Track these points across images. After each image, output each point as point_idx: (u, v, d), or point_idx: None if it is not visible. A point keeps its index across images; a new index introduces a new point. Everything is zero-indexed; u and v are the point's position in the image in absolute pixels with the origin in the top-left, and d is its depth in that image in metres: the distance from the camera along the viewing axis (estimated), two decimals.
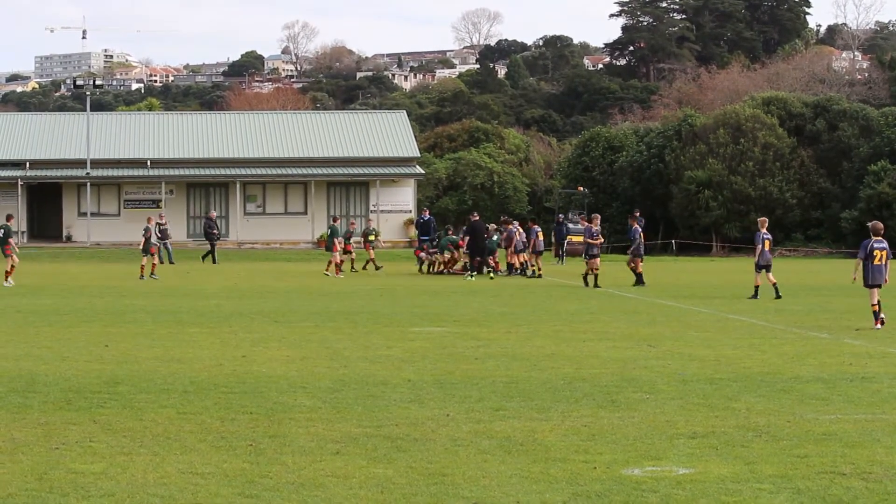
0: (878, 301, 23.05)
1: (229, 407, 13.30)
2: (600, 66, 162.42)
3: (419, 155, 72.27)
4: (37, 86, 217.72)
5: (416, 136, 75.79)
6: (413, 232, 61.70)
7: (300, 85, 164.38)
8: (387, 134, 71.43)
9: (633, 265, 37.09)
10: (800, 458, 10.65)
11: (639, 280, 36.39)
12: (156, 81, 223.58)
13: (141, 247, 41.33)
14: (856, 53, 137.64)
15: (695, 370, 16.59)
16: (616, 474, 10.05)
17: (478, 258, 41.42)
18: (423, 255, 46.51)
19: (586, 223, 51.91)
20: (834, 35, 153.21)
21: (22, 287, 34.84)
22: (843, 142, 72.85)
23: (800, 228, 72.03)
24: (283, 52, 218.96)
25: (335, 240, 42.53)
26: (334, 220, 45.60)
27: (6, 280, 35.77)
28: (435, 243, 46.60)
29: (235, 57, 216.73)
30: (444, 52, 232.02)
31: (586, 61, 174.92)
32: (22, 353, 18.26)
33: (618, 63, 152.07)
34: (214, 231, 54.39)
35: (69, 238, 67.15)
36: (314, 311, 26.49)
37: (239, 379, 15.52)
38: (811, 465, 10.41)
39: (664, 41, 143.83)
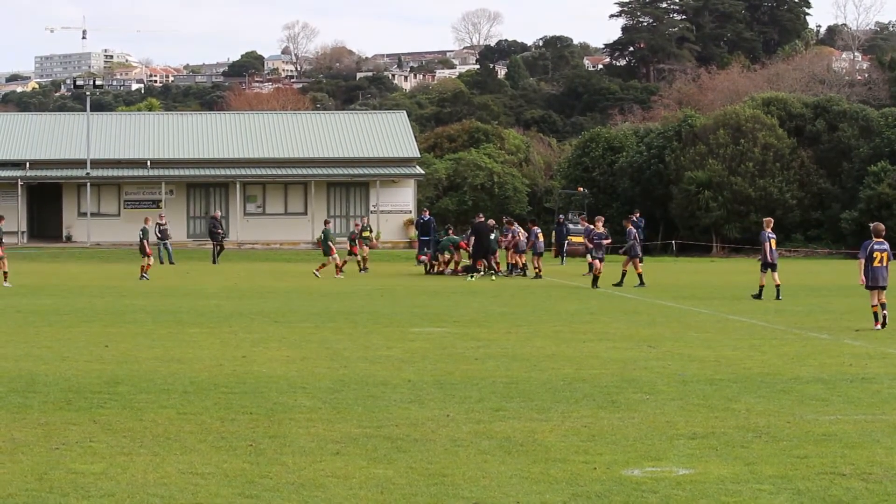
0: (883, 304, 23.00)
1: (229, 407, 13.31)
2: (600, 66, 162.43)
3: (419, 155, 72.26)
4: (37, 86, 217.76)
5: (416, 137, 75.79)
6: (413, 232, 61.69)
7: (300, 85, 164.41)
8: (387, 134, 71.43)
9: (625, 266, 37.10)
10: (800, 459, 10.66)
11: (621, 280, 36.26)
12: (156, 82, 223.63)
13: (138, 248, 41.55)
14: (856, 54, 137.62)
15: (695, 371, 16.59)
16: (616, 475, 10.05)
17: (481, 260, 41.42)
18: (424, 258, 46.52)
19: (586, 224, 52.02)
20: (834, 36, 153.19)
21: (22, 287, 34.84)
22: (843, 142, 72.83)
23: (800, 229, 71.99)
24: (283, 53, 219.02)
25: (329, 242, 42.78)
26: (326, 224, 45.89)
27: (5, 281, 35.74)
28: (438, 245, 46.38)
29: (235, 57, 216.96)
30: (444, 53, 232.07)
31: (586, 62, 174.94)
32: (22, 353, 18.26)
33: (618, 63, 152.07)
34: (219, 231, 54.43)
35: (69, 238, 67.15)
36: (314, 312, 26.49)
37: (239, 379, 15.52)
38: (811, 465, 10.42)
39: (664, 42, 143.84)
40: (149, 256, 41.05)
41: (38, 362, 17.18)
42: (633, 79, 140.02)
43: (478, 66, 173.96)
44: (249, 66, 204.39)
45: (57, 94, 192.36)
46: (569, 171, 79.87)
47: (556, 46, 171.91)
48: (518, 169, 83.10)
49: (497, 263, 43.11)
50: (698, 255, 67.18)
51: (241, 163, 68.47)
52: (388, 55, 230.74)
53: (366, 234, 47.46)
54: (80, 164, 67.03)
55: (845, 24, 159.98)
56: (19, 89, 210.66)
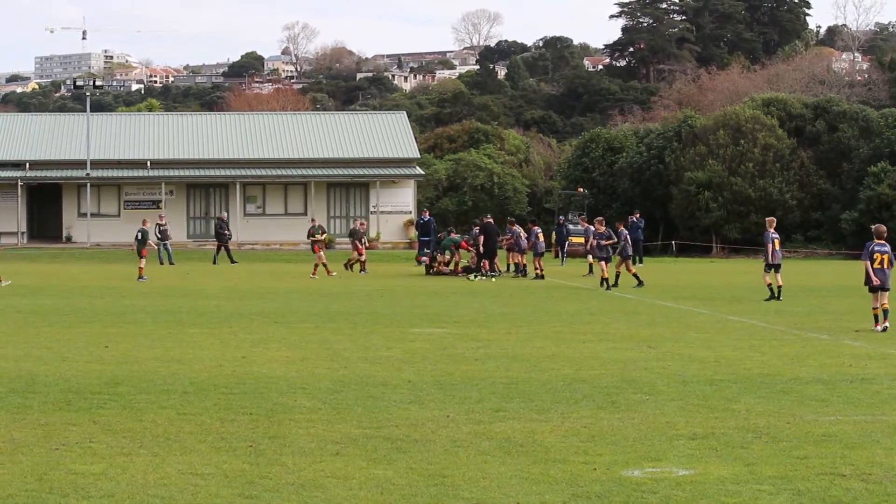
0: (886, 310, 22.96)
1: (229, 408, 13.31)
2: (600, 67, 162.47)
3: (419, 156, 72.25)
4: (37, 86, 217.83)
5: (416, 137, 75.78)
6: (413, 233, 61.69)
7: (300, 86, 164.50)
8: (387, 135, 71.42)
9: (618, 267, 37.09)
10: (799, 460, 10.66)
11: (616, 281, 36.24)
12: (156, 82, 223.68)
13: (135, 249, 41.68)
14: (856, 54, 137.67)
15: (695, 371, 16.59)
16: (616, 475, 10.05)
17: (486, 260, 41.44)
18: (424, 259, 46.50)
19: (586, 224, 52.00)
20: (834, 36, 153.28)
21: (22, 287, 34.84)
22: (842, 143, 72.85)
23: (800, 229, 72.00)
24: (283, 53, 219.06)
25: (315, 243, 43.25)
26: (313, 222, 46.07)
27: (2, 281, 35.73)
28: (439, 245, 46.30)
29: (235, 58, 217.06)
30: (444, 53, 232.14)
31: (586, 62, 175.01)
32: (22, 354, 18.27)
33: (618, 64, 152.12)
34: (226, 232, 54.44)
35: (69, 239, 67.14)
36: (314, 312, 26.49)
37: (239, 380, 15.53)
38: (811, 466, 10.42)
39: (664, 42, 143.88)
40: (142, 258, 41.04)
41: (37, 363, 17.18)
42: (632, 79, 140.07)
43: (478, 67, 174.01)
44: (249, 66, 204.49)
45: (57, 94, 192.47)
46: (569, 171, 79.90)
47: (556, 47, 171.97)
48: (518, 169, 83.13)
49: (496, 265, 43.12)
50: (698, 256, 67.19)
51: (241, 163, 68.47)
52: (388, 56, 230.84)
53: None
54: (80, 164, 67.02)
55: (845, 25, 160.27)
56: (19, 90, 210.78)
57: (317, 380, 15.57)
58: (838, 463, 10.53)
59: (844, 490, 9.57)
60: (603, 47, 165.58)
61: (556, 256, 54.06)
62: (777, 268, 31.22)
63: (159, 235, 51.92)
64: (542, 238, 44.22)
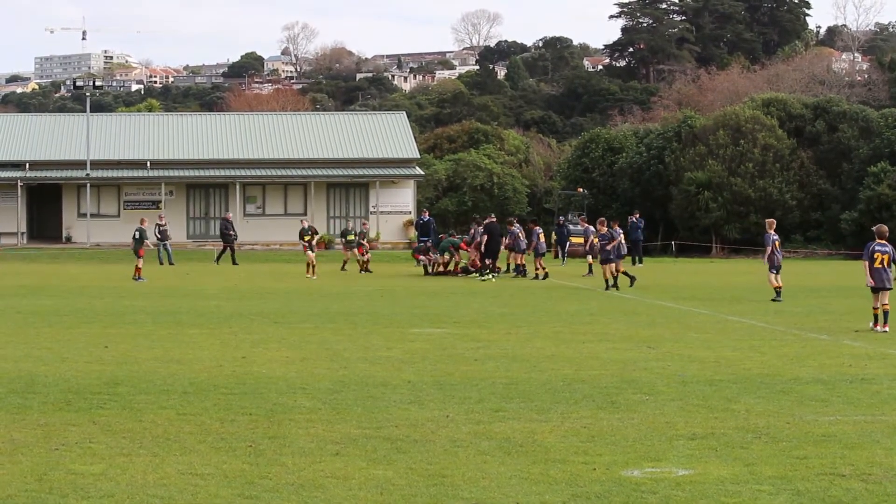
0: (886, 311, 22.94)
1: (229, 408, 13.31)
2: (600, 67, 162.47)
3: (419, 156, 72.23)
4: (37, 87, 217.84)
5: (415, 138, 75.75)
6: (413, 233, 61.69)
7: (300, 86, 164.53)
8: (386, 135, 71.41)
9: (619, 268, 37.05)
10: (799, 460, 10.66)
11: (615, 281, 36.18)
12: (155, 82, 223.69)
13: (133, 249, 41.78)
14: (856, 55, 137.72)
15: (694, 372, 16.59)
16: (615, 475, 10.05)
17: (489, 260, 41.43)
18: (422, 258, 46.43)
19: (586, 224, 51.98)
20: (834, 36, 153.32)
21: (22, 287, 34.84)
22: (842, 143, 72.86)
23: (799, 230, 72.02)
24: (282, 53, 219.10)
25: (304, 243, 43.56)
26: (303, 223, 46.26)
27: None
28: (439, 245, 46.22)
29: (235, 58, 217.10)
30: (443, 54, 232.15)
31: (586, 62, 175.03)
32: (22, 354, 18.26)
33: (617, 64, 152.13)
34: (231, 232, 54.45)
35: (69, 239, 67.12)
36: (314, 313, 26.49)
37: (239, 380, 15.52)
38: (811, 466, 10.42)
39: (664, 42, 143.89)
40: (140, 258, 40.92)
41: (37, 363, 17.18)
42: (632, 79, 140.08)
43: (477, 67, 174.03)
44: (249, 66, 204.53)
45: (57, 94, 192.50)
46: (568, 171, 79.91)
47: (556, 47, 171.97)
48: (518, 170, 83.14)
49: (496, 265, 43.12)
50: (698, 256, 67.19)
51: (241, 164, 68.46)
52: (387, 56, 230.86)
53: (350, 237, 46.73)
54: (79, 164, 67.00)
55: (845, 25, 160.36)
56: (19, 90, 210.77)
57: (317, 380, 15.57)
58: (838, 463, 10.53)
59: (844, 490, 9.57)
60: (603, 47, 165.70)
61: (556, 256, 54.06)
62: (777, 269, 31.23)
63: (159, 236, 51.89)
64: (542, 238, 44.24)
